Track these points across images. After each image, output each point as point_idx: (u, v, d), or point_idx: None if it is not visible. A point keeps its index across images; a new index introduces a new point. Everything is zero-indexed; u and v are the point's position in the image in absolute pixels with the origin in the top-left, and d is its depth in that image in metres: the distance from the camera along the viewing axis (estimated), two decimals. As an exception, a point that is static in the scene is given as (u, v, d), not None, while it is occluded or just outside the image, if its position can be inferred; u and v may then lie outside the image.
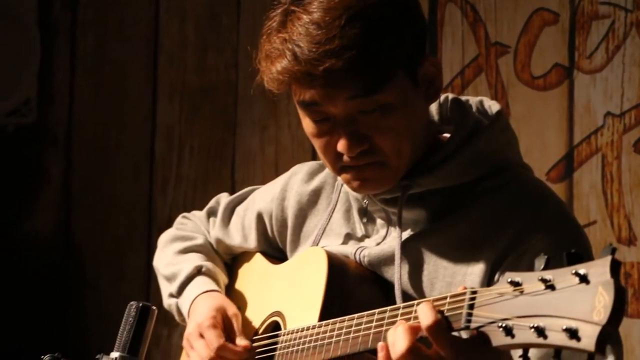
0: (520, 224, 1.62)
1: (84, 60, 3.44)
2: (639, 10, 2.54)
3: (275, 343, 1.74)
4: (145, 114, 3.33)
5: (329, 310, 1.66)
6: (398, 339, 1.39)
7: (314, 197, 1.84)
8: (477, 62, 2.74)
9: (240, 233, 1.95)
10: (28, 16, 3.37)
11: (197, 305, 1.86)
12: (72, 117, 3.45)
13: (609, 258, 1.22)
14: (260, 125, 3.12)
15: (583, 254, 1.27)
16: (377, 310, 1.53)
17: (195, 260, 1.93)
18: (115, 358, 1.62)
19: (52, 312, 3.41)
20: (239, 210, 1.97)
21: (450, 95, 1.76)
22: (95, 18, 3.43)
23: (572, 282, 1.23)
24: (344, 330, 1.58)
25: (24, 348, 3.28)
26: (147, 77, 3.33)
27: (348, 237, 1.78)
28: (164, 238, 2.04)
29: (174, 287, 1.92)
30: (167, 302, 1.95)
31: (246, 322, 1.85)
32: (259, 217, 1.91)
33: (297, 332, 1.68)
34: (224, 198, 2.02)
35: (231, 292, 1.94)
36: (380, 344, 1.43)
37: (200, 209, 2.06)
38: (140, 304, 1.66)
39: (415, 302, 1.46)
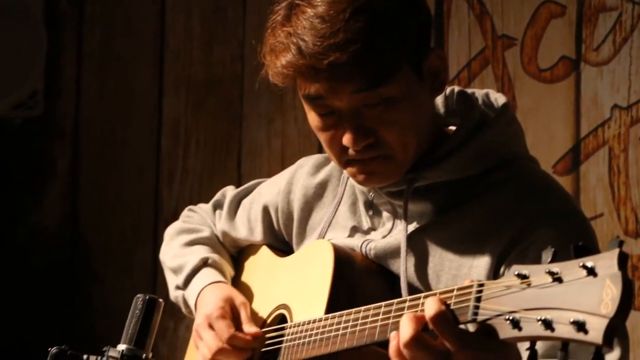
0: (526, 217, 1.62)
1: (90, 53, 3.44)
2: (646, 3, 2.53)
3: (282, 336, 1.74)
4: (152, 107, 3.33)
5: (335, 303, 1.66)
6: (403, 327, 1.39)
7: (320, 190, 1.84)
8: (483, 54, 2.74)
9: (246, 226, 1.95)
10: (35, 10, 3.37)
11: (204, 297, 1.86)
12: (79, 111, 3.46)
13: (616, 251, 1.22)
14: (267, 119, 3.12)
15: (590, 247, 1.27)
16: (383, 303, 1.53)
17: (202, 252, 1.94)
18: (122, 350, 1.62)
19: (58, 305, 3.41)
20: (245, 203, 1.97)
21: (456, 88, 1.76)
22: (101, 12, 3.43)
23: (580, 275, 1.23)
24: (350, 323, 1.58)
25: (31, 341, 3.29)
26: (153, 70, 3.33)
27: (354, 230, 1.78)
28: (170, 231, 2.04)
29: (180, 279, 1.92)
30: (174, 294, 1.95)
31: (252, 315, 1.85)
32: (265, 210, 1.91)
33: (303, 324, 1.68)
34: (230, 191, 2.02)
35: (237, 284, 1.94)
36: (393, 334, 1.42)
37: (207, 202, 2.06)
38: (147, 297, 1.67)
39: (422, 294, 1.46)
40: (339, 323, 1.61)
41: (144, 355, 1.63)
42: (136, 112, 3.37)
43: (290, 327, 1.72)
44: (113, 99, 3.41)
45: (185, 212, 2.07)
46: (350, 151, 1.64)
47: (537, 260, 1.30)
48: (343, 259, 1.70)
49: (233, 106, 3.19)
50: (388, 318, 1.51)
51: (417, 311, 1.45)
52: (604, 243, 2.47)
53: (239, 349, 1.78)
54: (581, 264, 1.23)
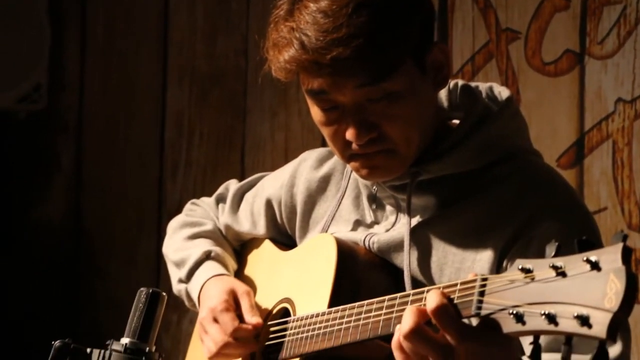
0: (529, 211, 1.62)
1: (94, 47, 3.44)
2: (651, -4, 2.53)
3: (285, 329, 1.74)
4: (155, 100, 3.33)
5: (338, 297, 1.66)
6: (404, 319, 1.39)
7: (323, 183, 1.84)
8: (487, 48, 2.73)
9: (249, 219, 1.95)
10: (39, 4, 3.37)
11: (207, 290, 1.87)
12: (82, 104, 3.46)
13: (620, 245, 1.21)
14: (270, 112, 3.12)
15: (594, 241, 1.26)
16: (387, 297, 1.53)
17: (204, 245, 1.94)
18: (126, 344, 1.62)
19: (62, 298, 3.42)
20: (248, 196, 1.97)
21: (460, 82, 1.75)
22: (105, 5, 3.43)
23: (584, 269, 1.23)
24: (353, 317, 1.58)
25: (35, 334, 3.30)
26: (156, 63, 3.33)
27: (357, 224, 1.78)
28: (173, 224, 2.04)
29: (183, 272, 1.93)
30: (177, 287, 1.95)
31: (255, 308, 1.85)
32: (268, 204, 1.91)
33: (306, 318, 1.69)
34: (233, 184, 2.02)
35: (240, 278, 1.94)
36: (398, 326, 1.42)
37: (210, 195, 2.06)
38: (150, 290, 1.67)
39: (425, 289, 1.46)
40: (342, 317, 1.61)
41: (147, 349, 1.63)
42: (139, 105, 3.37)
43: (293, 321, 1.72)
44: (116, 92, 3.41)
45: (188, 206, 2.07)
46: (354, 146, 1.64)
47: (540, 254, 1.30)
48: (346, 253, 1.70)
49: (236, 99, 3.19)
50: (391, 312, 1.51)
51: (420, 305, 1.45)
52: (607, 237, 2.45)
53: (244, 341, 1.78)
54: (585, 258, 1.23)
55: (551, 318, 1.24)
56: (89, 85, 3.45)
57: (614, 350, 1.54)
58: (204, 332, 1.83)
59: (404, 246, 1.67)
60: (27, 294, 3.44)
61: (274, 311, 1.82)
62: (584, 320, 1.21)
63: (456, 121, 1.73)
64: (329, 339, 1.62)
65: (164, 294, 1.69)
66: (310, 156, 1.88)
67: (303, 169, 1.87)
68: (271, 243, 1.92)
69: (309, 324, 1.67)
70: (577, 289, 1.23)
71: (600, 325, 1.20)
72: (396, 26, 1.60)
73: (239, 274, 1.96)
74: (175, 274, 1.96)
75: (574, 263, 1.24)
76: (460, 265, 1.64)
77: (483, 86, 1.74)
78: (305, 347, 1.67)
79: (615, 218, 2.53)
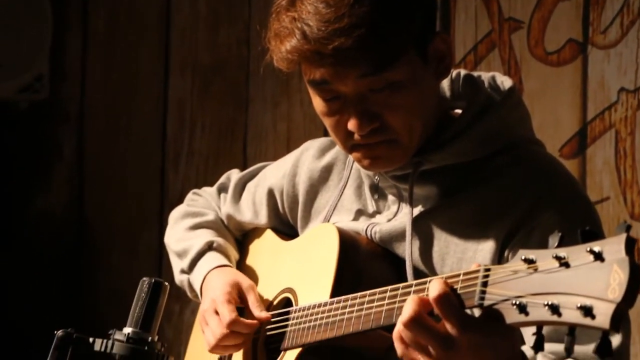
0: (531, 200, 1.62)
1: (96, 37, 3.43)
2: (654, -15, 2.52)
3: (287, 320, 1.74)
4: (157, 90, 3.33)
5: (340, 287, 1.66)
6: (405, 307, 1.38)
7: (326, 173, 1.84)
8: (490, 37, 2.72)
9: (251, 209, 1.95)
10: (40, -7, 3.37)
11: (210, 281, 1.86)
12: (84, 94, 3.45)
13: (623, 235, 1.21)
14: (272, 102, 3.12)
15: (597, 232, 1.26)
16: (389, 287, 1.53)
17: (206, 236, 1.94)
18: (128, 333, 1.62)
19: (64, 288, 3.42)
20: (250, 186, 1.97)
21: (462, 71, 1.75)
22: (106, -6, 3.43)
23: (587, 260, 1.22)
24: (355, 307, 1.58)
25: (37, 324, 3.30)
26: (158, 53, 3.32)
27: (359, 214, 1.77)
28: (175, 214, 2.04)
29: (185, 263, 1.92)
30: (179, 278, 1.95)
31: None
32: (270, 193, 1.91)
33: (308, 308, 1.68)
34: (234, 174, 2.02)
35: (242, 268, 1.94)
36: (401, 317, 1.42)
37: (212, 184, 2.05)
38: (153, 280, 1.67)
39: (428, 279, 1.46)
40: (344, 307, 1.60)
41: (149, 339, 1.63)
42: (141, 95, 3.36)
43: (295, 311, 1.72)
44: (119, 83, 3.40)
45: (189, 196, 2.07)
46: (356, 136, 1.64)
47: (541, 244, 1.30)
48: (348, 243, 1.70)
49: (239, 89, 3.19)
50: (394, 302, 1.51)
51: (422, 295, 1.44)
52: (610, 227, 2.46)
53: (241, 334, 1.78)
54: (588, 249, 1.23)
55: (554, 309, 1.24)
56: (91, 75, 3.44)
57: (614, 341, 1.53)
58: (205, 323, 1.83)
59: (405, 236, 1.67)
60: (29, 284, 3.45)
61: (276, 301, 1.82)
62: (587, 311, 1.21)
63: (458, 111, 1.73)
64: (331, 329, 1.62)
65: (167, 283, 1.70)
66: (313, 146, 1.88)
67: (305, 158, 1.87)
68: (273, 233, 1.92)
69: (311, 314, 1.67)
70: (580, 280, 1.22)
71: (603, 316, 1.20)
72: (398, 16, 1.60)
73: (241, 264, 1.96)
74: (177, 264, 1.96)
75: (577, 254, 1.24)
76: (462, 255, 1.64)
77: (485, 76, 1.74)
78: (308, 337, 1.67)
79: (618, 208, 2.52)
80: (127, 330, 1.63)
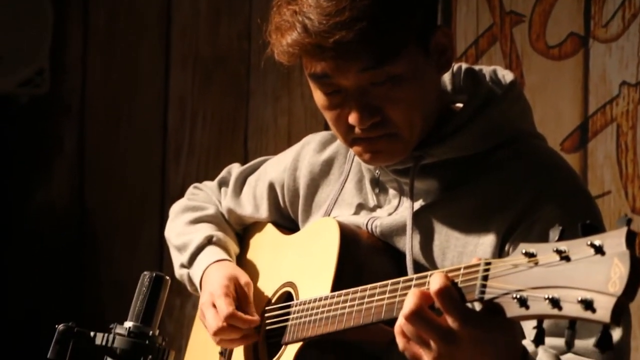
0: (532, 194, 1.61)
1: (96, 30, 3.43)
2: (656, -21, 2.51)
3: (288, 314, 1.74)
4: (158, 83, 3.32)
5: (341, 281, 1.66)
6: (406, 300, 1.38)
7: (326, 167, 1.84)
8: (491, 31, 2.72)
9: (252, 203, 1.95)
10: (40, -14, 3.37)
11: (209, 275, 1.86)
12: (85, 88, 3.45)
13: (624, 229, 1.21)
14: (273, 96, 3.12)
15: (598, 225, 1.26)
16: (390, 282, 1.53)
17: (206, 230, 1.93)
18: (129, 327, 1.62)
19: (65, 282, 3.42)
20: (251, 180, 1.97)
21: (464, 65, 1.75)
22: (107, -12, 3.42)
23: (588, 253, 1.22)
24: (356, 301, 1.58)
25: (39, 317, 3.30)
26: (159, 46, 3.32)
27: (360, 208, 1.77)
28: (175, 208, 2.04)
29: (184, 257, 1.92)
30: (179, 272, 1.95)
31: (258, 293, 1.85)
32: (271, 187, 1.91)
33: (309, 302, 1.68)
34: (235, 168, 2.02)
35: (243, 262, 1.94)
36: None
37: (213, 179, 2.05)
38: (154, 274, 1.67)
39: (429, 273, 1.45)
40: (345, 301, 1.60)
41: (150, 332, 1.64)
42: (142, 89, 3.36)
43: (296, 305, 1.72)
44: (119, 76, 3.40)
45: (190, 190, 2.07)
46: (357, 130, 1.64)
47: (542, 238, 1.30)
48: (349, 237, 1.70)
49: (240, 83, 3.19)
50: (394, 296, 1.51)
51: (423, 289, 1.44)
52: (611, 220, 2.46)
53: (239, 328, 1.78)
54: (589, 243, 1.23)
55: (555, 302, 1.23)
56: (92, 69, 3.44)
57: (615, 335, 1.53)
58: (203, 317, 1.83)
59: (406, 230, 1.67)
60: (30, 278, 3.45)
61: (277, 295, 1.82)
62: (587, 305, 1.21)
63: (460, 105, 1.72)
64: (332, 323, 1.62)
65: (168, 277, 1.70)
66: (313, 139, 1.88)
67: (306, 152, 1.87)
68: (273, 227, 1.92)
69: (312, 308, 1.67)
70: (581, 273, 1.22)
71: (604, 310, 1.19)
72: (399, 9, 1.59)
73: (242, 258, 1.96)
74: (177, 258, 1.96)
75: (578, 247, 1.24)
76: (462, 249, 1.64)
77: (487, 69, 1.74)
78: (308, 332, 1.67)
79: (619, 202, 2.52)
80: (128, 324, 1.63)
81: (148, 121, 3.34)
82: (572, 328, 1.25)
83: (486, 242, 1.62)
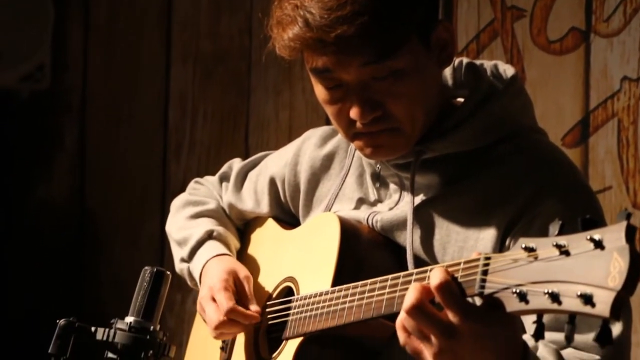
0: (533, 189, 1.61)
1: (97, 26, 3.43)
2: (657, -27, 2.51)
3: (288, 308, 1.74)
4: (159, 79, 3.32)
5: (341, 276, 1.66)
6: (407, 294, 1.38)
7: (327, 161, 1.84)
8: (492, 26, 2.72)
9: (253, 198, 1.95)
10: (41, -18, 3.37)
11: (208, 269, 1.87)
12: (86, 84, 3.45)
13: (624, 223, 1.21)
14: (274, 91, 3.11)
15: (597, 220, 1.26)
16: (390, 276, 1.53)
17: (207, 224, 1.94)
18: (130, 322, 1.63)
19: (66, 277, 3.42)
20: (252, 175, 1.97)
21: (465, 60, 1.75)
22: (108, -17, 3.42)
23: (587, 248, 1.22)
24: (357, 296, 1.58)
25: (40, 313, 3.30)
26: (160, 42, 3.32)
27: (361, 202, 1.77)
28: (176, 203, 2.04)
29: (185, 251, 1.93)
30: (179, 266, 1.95)
31: (259, 288, 1.85)
32: (272, 182, 1.91)
33: (310, 297, 1.68)
34: (236, 163, 2.02)
35: (243, 257, 1.94)
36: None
37: (214, 174, 2.05)
38: (155, 269, 1.67)
39: (429, 267, 1.46)
40: (345, 296, 1.60)
41: (151, 327, 1.64)
42: (143, 84, 3.36)
43: (296, 300, 1.72)
44: (120, 72, 3.40)
45: (191, 185, 2.07)
46: (358, 124, 1.64)
47: (542, 232, 1.30)
48: (349, 232, 1.70)
49: (241, 78, 3.18)
50: (395, 291, 1.51)
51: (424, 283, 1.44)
52: (612, 215, 2.46)
53: (239, 323, 1.78)
54: (588, 237, 1.23)
55: (554, 297, 1.23)
56: (93, 65, 3.44)
57: (615, 329, 1.53)
58: (203, 311, 1.83)
59: (407, 225, 1.67)
60: (30, 275, 3.45)
61: (278, 290, 1.82)
62: (587, 299, 1.21)
63: (461, 99, 1.72)
64: (333, 318, 1.62)
65: (168, 273, 1.70)
66: (314, 134, 1.88)
67: (307, 147, 1.87)
68: (274, 222, 1.92)
69: (313, 303, 1.67)
70: (580, 268, 1.22)
71: (603, 304, 1.19)
72: (401, 3, 1.59)
73: (242, 253, 1.96)
74: (177, 252, 1.96)
75: (578, 242, 1.24)
76: (463, 244, 1.64)
77: (488, 64, 1.74)
78: (309, 326, 1.67)
79: (620, 197, 2.52)
80: (129, 319, 1.63)
81: (149, 117, 3.34)
82: (571, 323, 1.25)
83: (487, 236, 1.62)
